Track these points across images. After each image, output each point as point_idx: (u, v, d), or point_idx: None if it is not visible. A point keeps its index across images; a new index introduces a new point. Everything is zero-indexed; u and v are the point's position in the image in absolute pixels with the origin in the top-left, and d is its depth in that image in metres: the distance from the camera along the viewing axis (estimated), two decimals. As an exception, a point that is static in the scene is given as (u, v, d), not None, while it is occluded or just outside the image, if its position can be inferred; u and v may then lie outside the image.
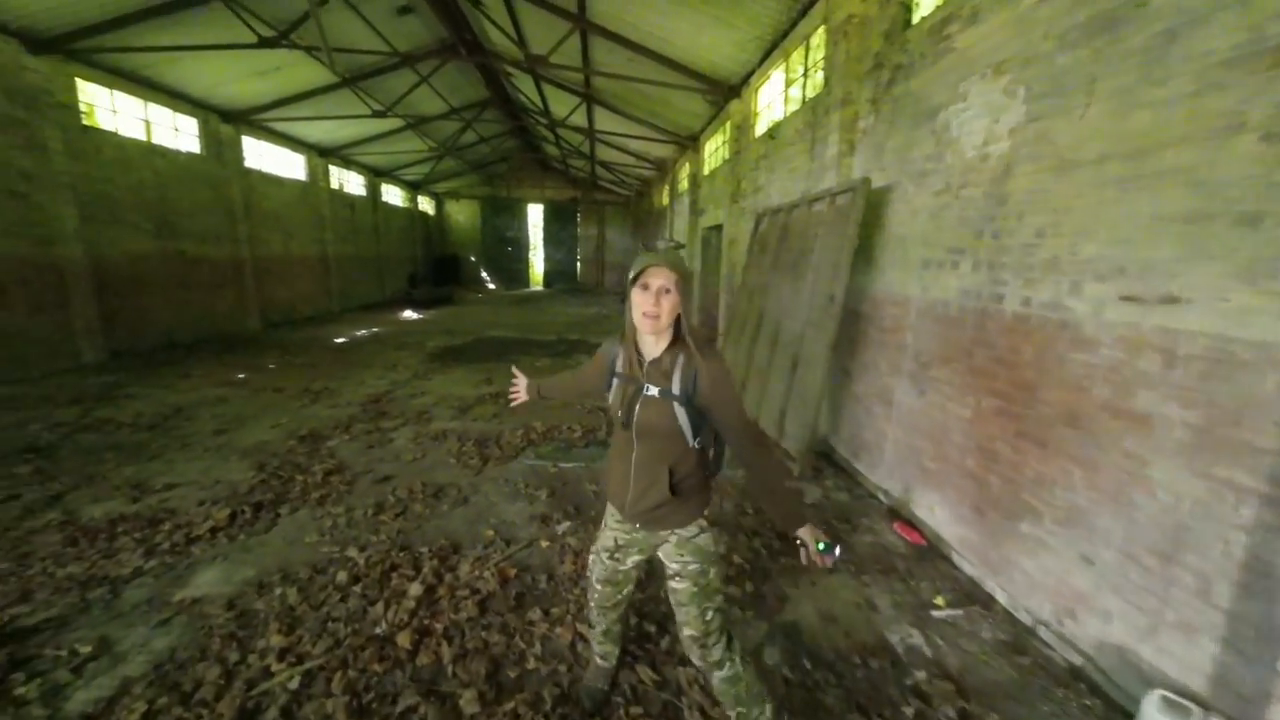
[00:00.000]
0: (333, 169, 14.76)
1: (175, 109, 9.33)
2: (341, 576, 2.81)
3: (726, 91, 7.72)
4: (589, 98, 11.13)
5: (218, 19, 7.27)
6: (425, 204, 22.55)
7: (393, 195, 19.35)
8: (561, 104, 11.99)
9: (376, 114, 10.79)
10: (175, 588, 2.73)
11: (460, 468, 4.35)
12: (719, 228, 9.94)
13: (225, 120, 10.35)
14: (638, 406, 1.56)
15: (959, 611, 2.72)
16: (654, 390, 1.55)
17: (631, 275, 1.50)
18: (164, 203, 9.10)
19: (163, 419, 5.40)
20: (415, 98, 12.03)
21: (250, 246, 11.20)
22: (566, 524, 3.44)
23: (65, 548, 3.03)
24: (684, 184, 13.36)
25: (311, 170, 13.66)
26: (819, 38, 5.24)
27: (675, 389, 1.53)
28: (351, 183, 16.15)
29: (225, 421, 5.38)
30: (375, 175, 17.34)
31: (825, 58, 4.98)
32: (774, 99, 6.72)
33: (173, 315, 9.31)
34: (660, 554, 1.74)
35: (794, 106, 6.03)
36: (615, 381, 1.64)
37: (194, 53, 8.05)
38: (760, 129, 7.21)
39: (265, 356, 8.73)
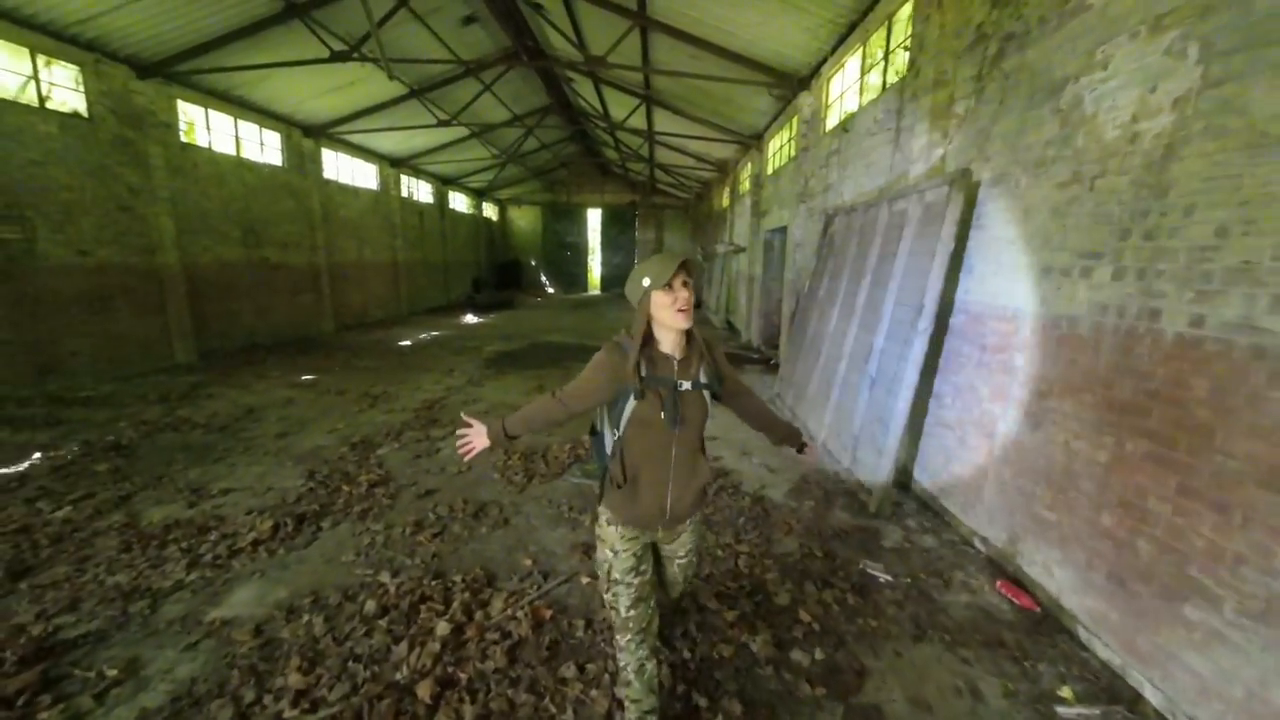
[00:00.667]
0: (403, 178, 15.41)
1: (262, 124, 9.97)
2: (370, 606, 2.63)
3: (795, 84, 7.20)
4: (649, 99, 10.88)
5: (296, 37, 7.63)
6: (489, 210, 23.24)
7: (459, 203, 20.03)
8: (621, 106, 11.83)
9: (442, 123, 11.08)
10: (210, 606, 2.66)
11: (504, 484, 4.16)
12: (783, 229, 9.35)
13: (306, 134, 10.97)
14: (682, 405, 1.62)
15: (1095, 711, 2.15)
16: (687, 384, 1.64)
17: (652, 281, 1.54)
18: (250, 213, 9.73)
19: (234, 420, 5.62)
20: (479, 106, 12.28)
21: (327, 253, 11.81)
22: (610, 557, 3.12)
23: (120, 553, 3.07)
24: (745, 185, 12.82)
25: (384, 180, 14.31)
26: (905, 13, 4.66)
27: (703, 378, 1.67)
28: (420, 191, 16.82)
29: (289, 424, 5.51)
30: (443, 184, 17.99)
31: (912, 36, 4.40)
32: (848, 88, 6.15)
33: (256, 318, 9.93)
34: (669, 545, 1.87)
35: (872, 95, 5.45)
36: (642, 387, 1.59)
37: (279, 72, 8.53)
38: (832, 122, 6.64)
39: (334, 359, 9.09)
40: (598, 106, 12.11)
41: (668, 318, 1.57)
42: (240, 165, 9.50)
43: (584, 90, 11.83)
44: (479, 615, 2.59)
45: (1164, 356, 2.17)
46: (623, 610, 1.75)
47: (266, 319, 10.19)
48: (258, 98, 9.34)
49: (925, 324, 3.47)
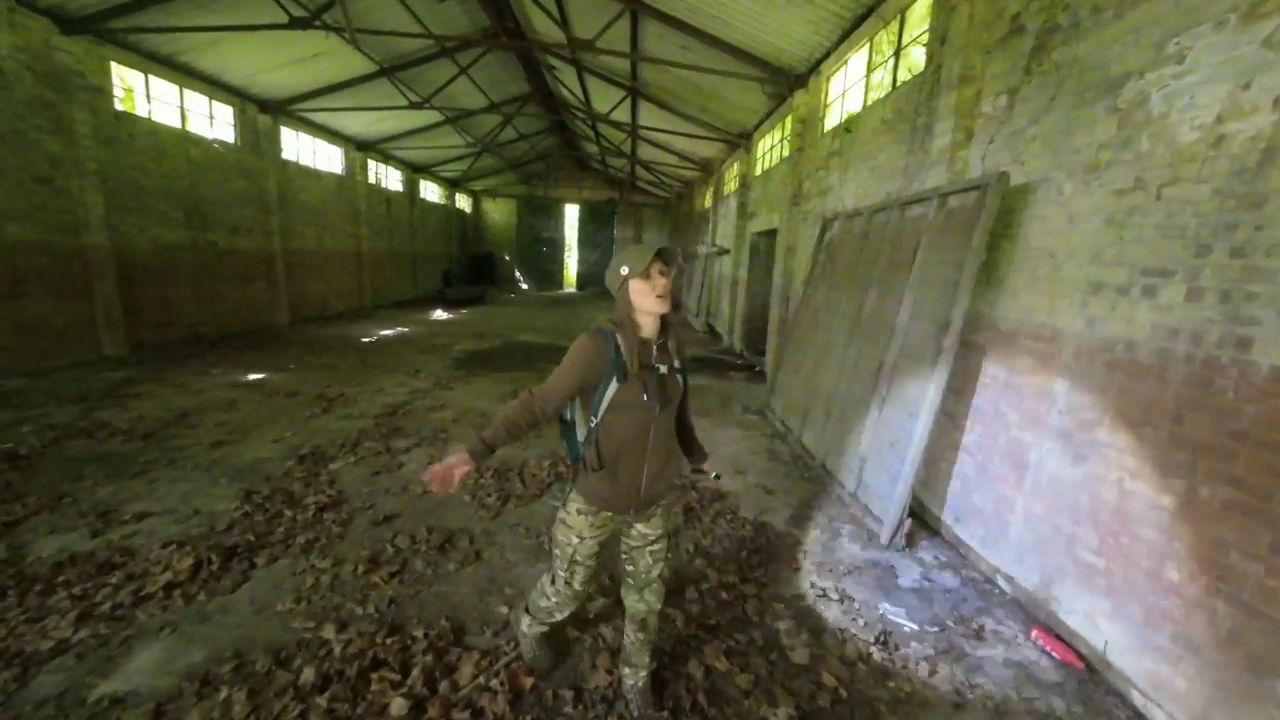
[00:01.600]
0: (371, 163, 14.55)
1: (212, 96, 9.10)
2: (308, 674, 2.14)
3: (791, 81, 6.90)
4: (634, 91, 10.46)
5: (254, 0, 6.89)
6: (463, 202, 22.38)
7: (430, 192, 19.16)
8: (605, 98, 11.37)
9: (414, 105, 10.39)
10: (98, 677, 2.11)
11: (475, 507, 3.67)
12: (772, 233, 9.08)
13: (263, 110, 10.12)
14: (664, 388, 1.71)
15: (1172, 803, 1.85)
16: (664, 368, 1.72)
17: (630, 269, 1.62)
18: (196, 192, 8.86)
19: (163, 425, 4.94)
20: (455, 91, 11.61)
21: (283, 239, 10.95)
22: (601, 602, 2.70)
23: (-9, 601, 2.47)
24: (731, 185, 12.55)
25: (349, 164, 13.45)
26: (922, 6, 4.39)
27: (677, 362, 1.78)
28: (390, 178, 15.95)
29: (228, 431, 4.87)
30: (414, 171, 17.14)
31: (931, 29, 4.12)
32: (851, 87, 5.87)
33: (199, 308, 9.06)
34: (639, 528, 1.91)
35: (879, 93, 5.17)
36: (629, 371, 1.63)
37: (230, 38, 7.76)
38: (831, 122, 6.36)
39: (288, 355, 8.34)
40: (580, 97, 11.62)
41: (647, 304, 1.63)
42: (185, 140, 8.63)
43: (566, 78, 11.32)
44: (444, 686, 2.13)
45: (1257, 393, 1.88)
46: (576, 585, 1.94)
47: (212, 309, 9.32)
48: (207, 66, 8.49)
49: (951, 341, 3.17)
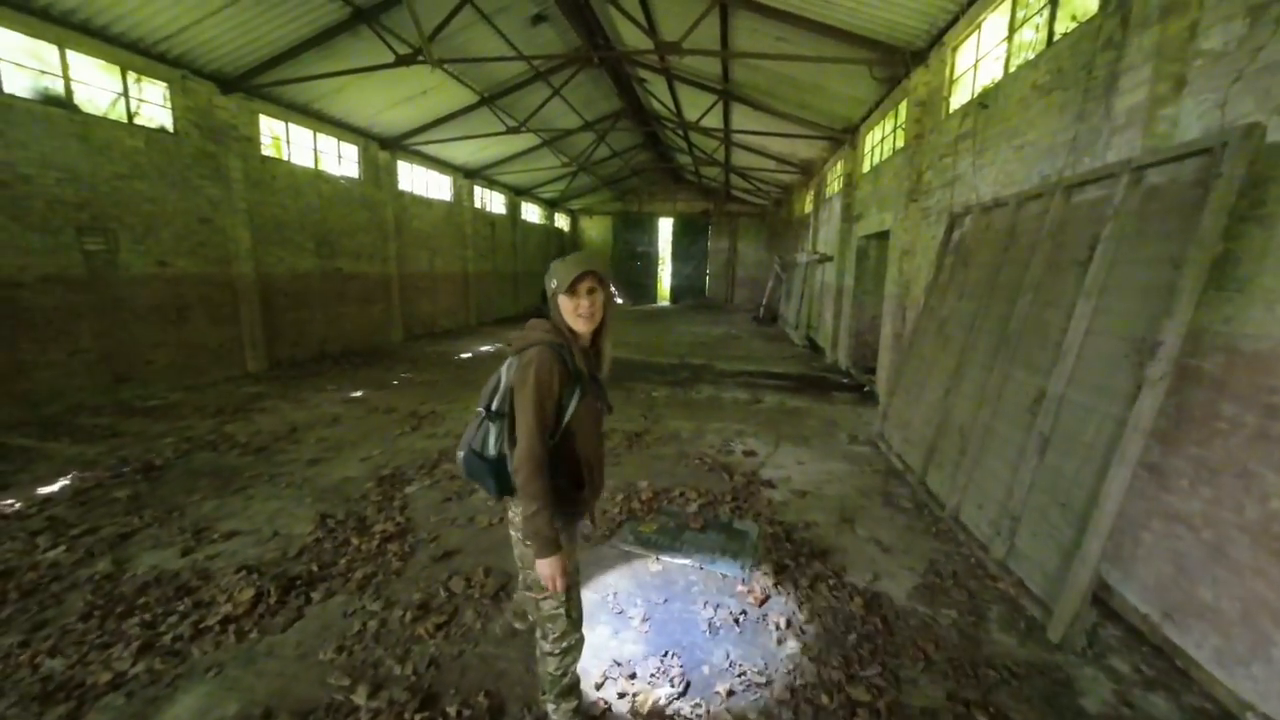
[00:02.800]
0: (476, 189, 15.49)
1: (340, 138, 10.11)
2: (327, 751, 1.89)
3: (906, 59, 5.98)
4: (726, 94, 9.95)
5: (365, 46, 7.49)
6: (561, 221, 23.23)
7: (531, 213, 20.07)
8: (696, 105, 10.98)
9: (511, 130, 10.78)
10: (137, 723, 2.03)
11: (539, 546, 3.35)
12: (883, 235, 8.03)
13: (383, 147, 11.09)
14: (605, 392, 1.78)
15: None
16: (599, 374, 1.76)
17: (558, 284, 1.59)
18: (325, 224, 9.85)
19: (274, 440, 5.29)
20: (549, 113, 11.94)
21: (399, 264, 11.89)
22: (665, 692, 2.20)
23: (78, 621, 2.56)
24: (834, 187, 11.50)
25: (457, 191, 14.40)
26: (1092, -65, 3.42)
27: (604, 372, 1.80)
28: (493, 202, 16.89)
29: (325, 448, 5.09)
30: (515, 194, 18.03)
31: (1107, -40, 3.16)
32: (986, 55, 4.88)
33: (327, 328, 10.02)
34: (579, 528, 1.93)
35: (1027, 55, 4.19)
36: (584, 386, 1.64)
37: (354, 84, 8.55)
38: (959, 100, 5.37)
39: (395, 370, 8.89)
40: (671, 106, 11.34)
41: (569, 320, 1.61)
42: (317, 177, 9.65)
43: (657, 89, 11.12)
44: (466, 793, 1.76)
45: None
46: (575, 614, 1.84)
47: (337, 328, 10.28)
48: (335, 111, 9.44)
49: (1161, 368, 2.26)
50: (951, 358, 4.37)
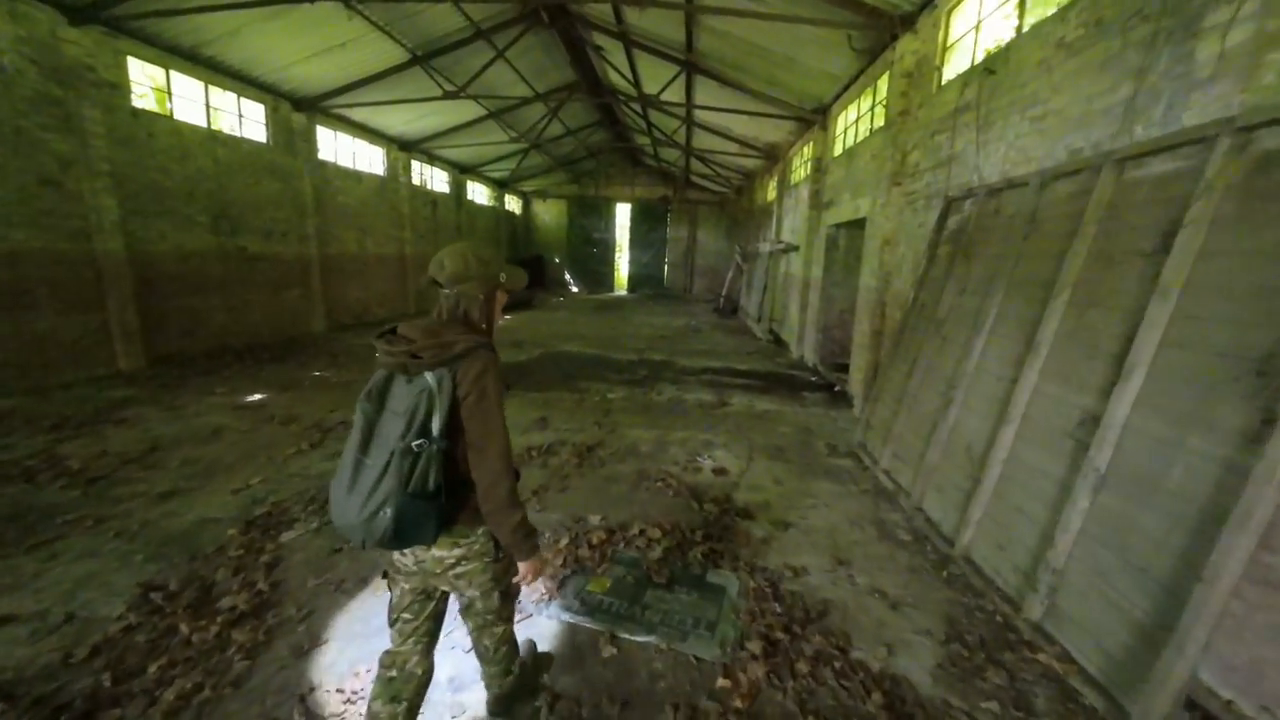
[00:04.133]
0: (415, 164, 14.05)
1: (241, 93, 8.61)
2: None
3: (893, 24, 5.35)
4: (690, 65, 9.12)
5: (260, -26, 6.17)
6: (512, 204, 21.85)
7: (479, 194, 18.66)
8: (656, 78, 10.09)
9: (449, 95, 9.55)
10: None
11: (458, 625, 2.49)
12: (857, 223, 7.49)
13: (297, 108, 9.62)
14: None
15: None
16: None
17: (509, 280, 1.60)
18: (224, 195, 8.39)
19: (123, 464, 4.14)
20: (496, 81, 10.76)
21: (319, 244, 10.46)
22: None
23: None
24: (800, 173, 10.95)
25: (391, 165, 12.95)
26: None
27: None
28: (435, 179, 15.46)
29: (190, 474, 4.00)
30: (460, 172, 16.62)
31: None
32: (992, 13, 4.26)
33: (228, 317, 8.59)
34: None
35: (1048, 8, 3.58)
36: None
37: (256, 29, 7.19)
38: (955, 69, 4.77)
39: (310, 367, 7.66)
40: (630, 77, 10.38)
41: (497, 318, 1.64)
42: (212, 139, 8.16)
43: (614, 58, 10.14)
44: None
45: None
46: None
47: (242, 317, 8.86)
48: (233, 59, 7.97)
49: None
50: (951, 362, 3.78)
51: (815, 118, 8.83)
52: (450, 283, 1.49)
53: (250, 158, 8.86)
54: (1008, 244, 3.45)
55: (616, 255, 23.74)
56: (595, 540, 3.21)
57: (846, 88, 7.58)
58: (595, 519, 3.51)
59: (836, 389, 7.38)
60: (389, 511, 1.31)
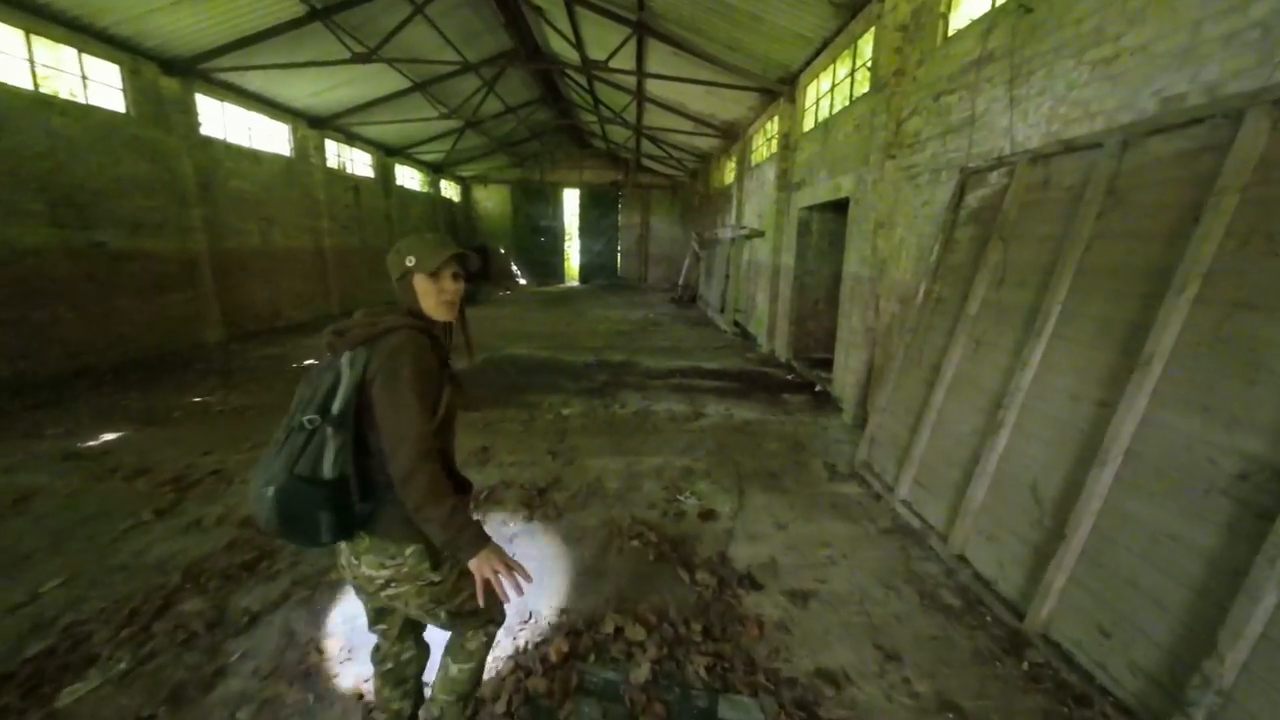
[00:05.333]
0: (330, 144, 12.31)
1: (84, 49, 6.86)
2: None
3: (885, -33, 4.53)
4: (641, 28, 8.08)
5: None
6: (450, 190, 20.11)
7: (410, 179, 16.92)
8: (604, 44, 8.97)
9: (359, 58, 8.08)
10: None
11: None
12: (836, 205, 6.76)
13: (167, 71, 7.88)
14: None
15: None
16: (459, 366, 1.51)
17: (418, 263, 1.35)
18: (67, 177, 6.68)
19: None
20: (421, 47, 9.33)
21: (209, 237, 8.78)
22: None
23: None
24: (763, 152, 10.18)
25: (300, 144, 11.21)
26: None
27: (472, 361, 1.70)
28: (356, 161, 13.71)
29: (-47, 578, 2.73)
30: (387, 154, 14.87)
31: None
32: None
33: (86, 330, 6.92)
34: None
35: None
36: (453, 375, 1.43)
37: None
38: (968, 14, 4.00)
39: (192, 389, 6.21)
40: (573, 40, 9.20)
41: (429, 305, 1.39)
42: (45, 106, 6.44)
43: (556, 17, 8.93)
44: None
45: None
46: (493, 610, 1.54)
47: (105, 330, 7.19)
48: (63, 2, 6.25)
49: None
50: (994, 372, 3.04)
51: (781, 88, 8.01)
52: (395, 281, 1.40)
53: (103, 131, 7.13)
54: (1069, 223, 2.70)
55: (566, 244, 22.49)
56: (554, 656, 2.25)
57: (819, 52, 6.78)
58: (551, 614, 2.55)
59: (818, 389, 6.68)
60: (270, 491, 1.21)
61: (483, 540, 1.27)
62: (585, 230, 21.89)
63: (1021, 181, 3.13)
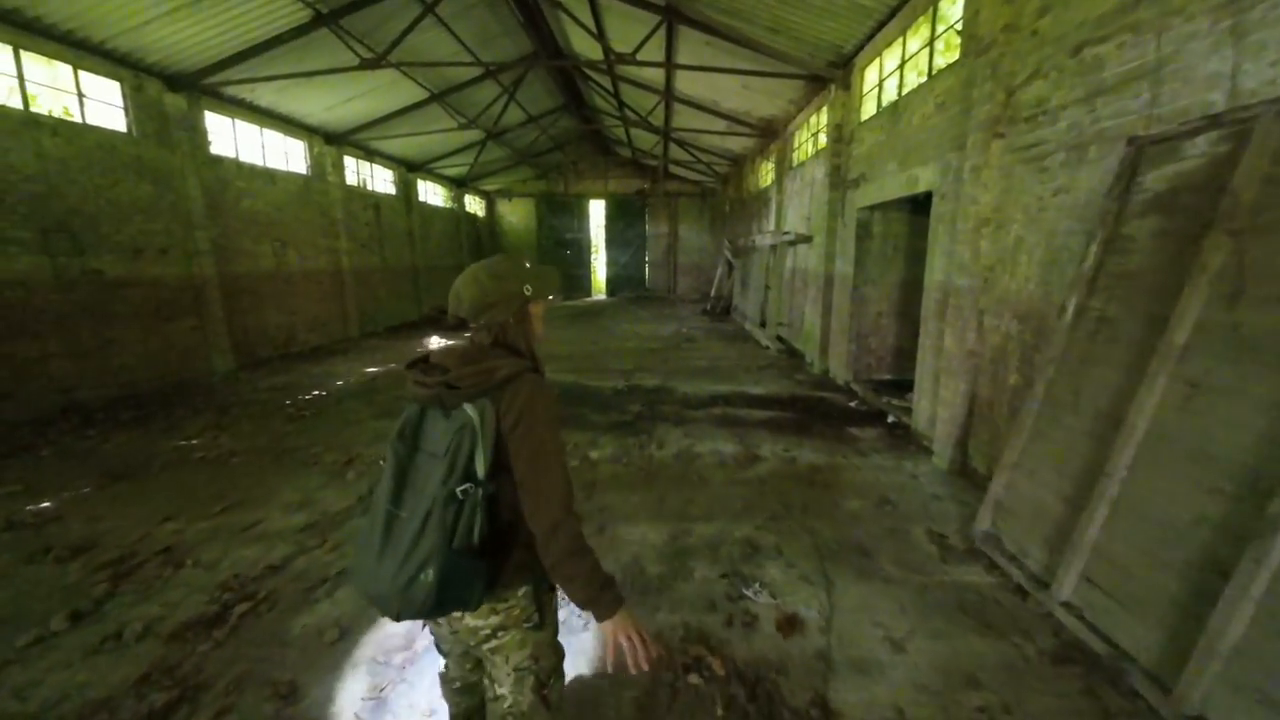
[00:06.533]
0: (349, 161, 11.92)
1: (78, 65, 6.44)
2: None
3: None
4: (673, 12, 7.25)
5: None
6: (473, 205, 19.74)
7: (432, 194, 16.53)
8: (629, 36, 8.17)
9: (367, 63, 7.51)
10: None
11: None
12: (905, 202, 5.74)
13: (172, 86, 7.47)
14: None
15: None
16: None
17: (534, 291, 1.33)
18: (59, 201, 6.23)
19: None
20: (434, 51, 8.76)
21: (219, 260, 8.32)
22: None
23: None
24: (806, 150, 9.21)
25: (317, 161, 10.80)
26: None
27: None
28: (377, 178, 13.32)
29: None
30: (408, 169, 14.48)
31: None
32: None
33: (78, 364, 6.43)
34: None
35: None
36: None
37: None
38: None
39: (183, 429, 5.60)
40: (594, 31, 8.44)
41: (540, 335, 1.41)
42: (35, 126, 6.00)
43: (577, 9, 8.18)
44: None
45: None
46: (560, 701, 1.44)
47: (100, 364, 6.69)
48: (56, 14, 5.82)
49: None
50: (1234, 435, 1.99)
51: (833, 74, 7.04)
52: (474, 315, 1.27)
53: (102, 151, 6.70)
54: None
55: (592, 256, 21.83)
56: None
57: (882, 24, 5.80)
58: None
59: (892, 421, 5.61)
60: (431, 573, 1.12)
61: (620, 601, 1.22)
62: (612, 242, 21.19)
63: (1265, 145, 2.10)
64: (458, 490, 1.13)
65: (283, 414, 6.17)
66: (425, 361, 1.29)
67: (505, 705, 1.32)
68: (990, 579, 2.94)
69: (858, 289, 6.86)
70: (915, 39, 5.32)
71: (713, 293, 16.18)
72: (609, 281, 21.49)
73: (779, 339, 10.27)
